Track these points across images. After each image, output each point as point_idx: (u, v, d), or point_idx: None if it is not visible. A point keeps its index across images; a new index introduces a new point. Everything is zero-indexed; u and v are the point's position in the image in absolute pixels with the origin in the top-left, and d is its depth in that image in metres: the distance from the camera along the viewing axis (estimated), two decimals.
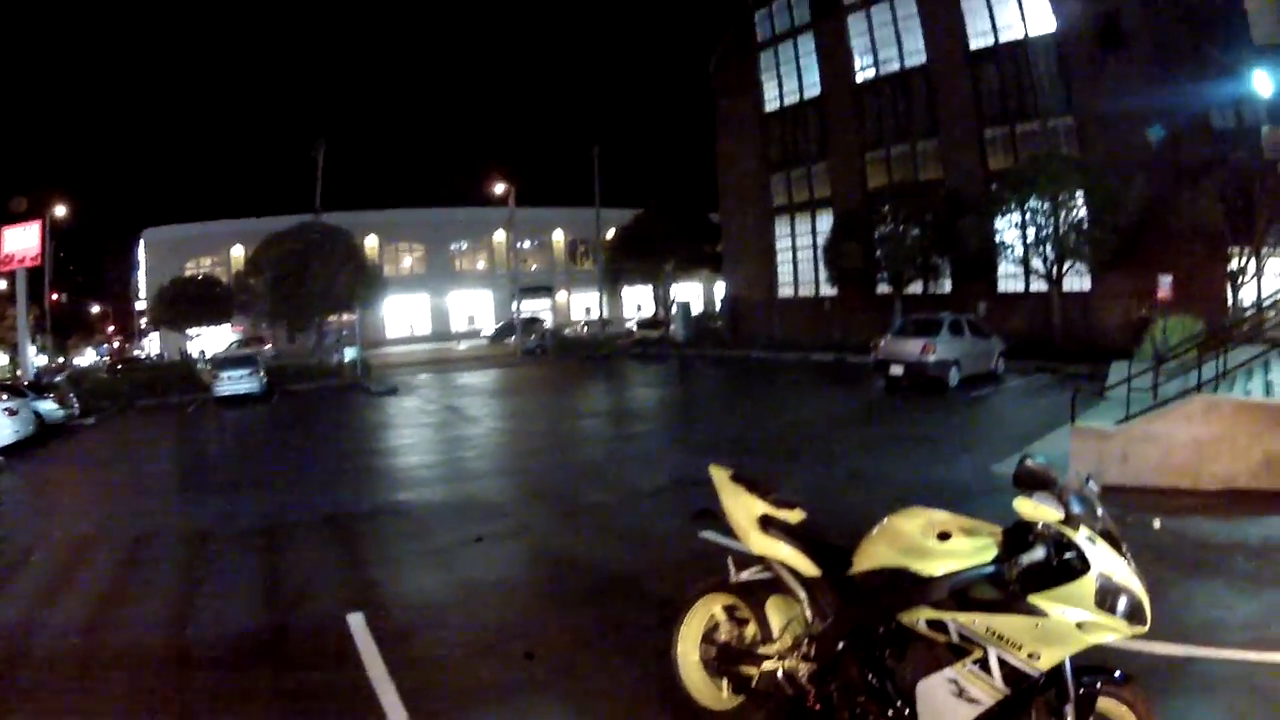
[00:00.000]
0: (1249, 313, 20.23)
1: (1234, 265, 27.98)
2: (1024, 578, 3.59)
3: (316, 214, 42.62)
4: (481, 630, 6.36)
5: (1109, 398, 14.79)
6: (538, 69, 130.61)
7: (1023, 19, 35.99)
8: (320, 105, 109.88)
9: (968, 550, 3.77)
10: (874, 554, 4.05)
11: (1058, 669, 3.55)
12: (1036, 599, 3.50)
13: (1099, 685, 3.68)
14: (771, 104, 48.11)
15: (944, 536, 3.88)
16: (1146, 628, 3.52)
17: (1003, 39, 36.83)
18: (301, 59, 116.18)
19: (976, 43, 37.83)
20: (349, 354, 36.60)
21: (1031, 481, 3.61)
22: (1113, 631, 3.48)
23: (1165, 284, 21.46)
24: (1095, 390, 16.19)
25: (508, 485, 12.32)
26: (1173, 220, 27.64)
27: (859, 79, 43.16)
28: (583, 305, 72.23)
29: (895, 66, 41.37)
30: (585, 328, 56.00)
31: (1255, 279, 27.63)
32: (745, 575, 4.73)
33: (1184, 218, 27.16)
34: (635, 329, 52.03)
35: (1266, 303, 17.54)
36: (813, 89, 45.55)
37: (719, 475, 4.84)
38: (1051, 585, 3.50)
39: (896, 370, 22.10)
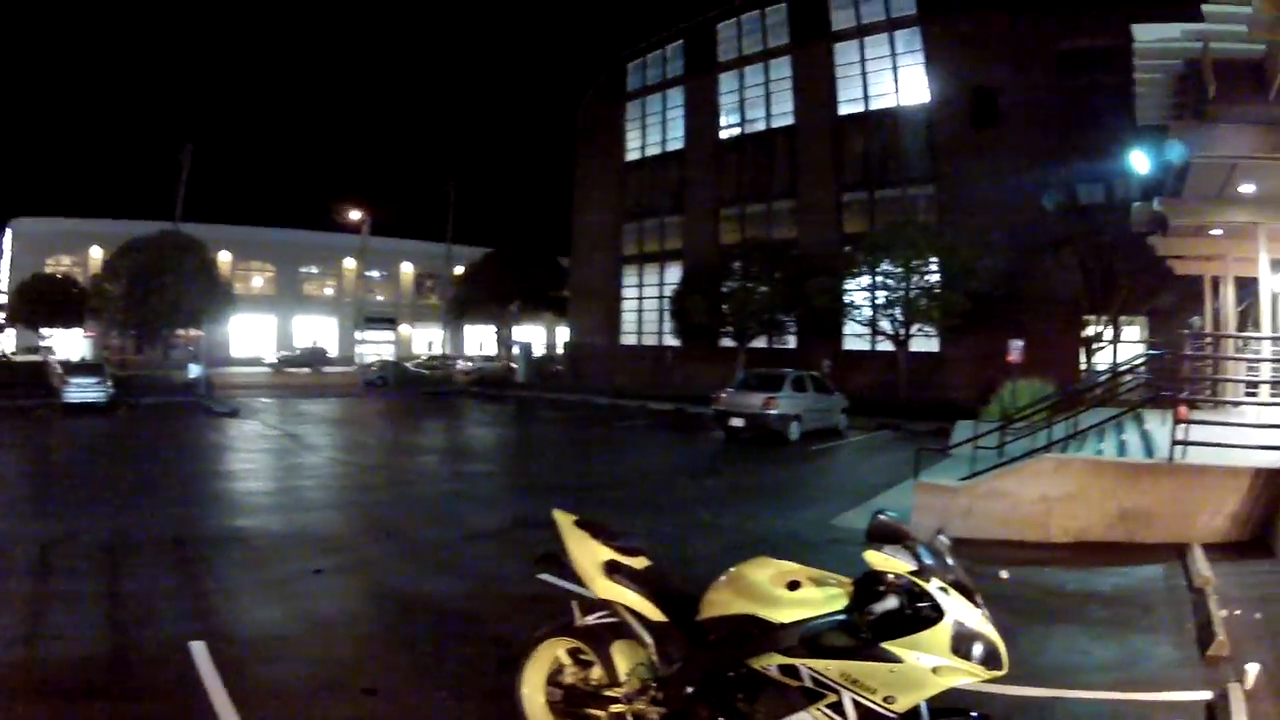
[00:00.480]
0: (1103, 377, 21.17)
1: (1089, 331, 30.43)
2: (877, 626, 3.80)
3: (175, 223, 42.98)
4: (323, 664, 6.38)
5: (953, 455, 15.53)
6: (403, 98, 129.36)
7: (896, 89, 38.58)
8: (186, 111, 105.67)
9: (818, 599, 3.99)
10: (722, 601, 4.24)
11: (914, 711, 3.76)
12: (891, 646, 3.71)
13: None
14: (633, 154, 49.99)
15: (793, 586, 4.10)
16: (1004, 671, 3.74)
17: (873, 106, 39.41)
18: (173, 63, 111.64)
19: (846, 108, 40.35)
20: (193, 371, 36.49)
21: (884, 535, 3.86)
22: (969, 675, 3.69)
23: (1016, 348, 22.63)
24: (939, 448, 16.94)
25: (347, 518, 12.49)
26: (1029, 287, 29.89)
27: (723, 135, 45.30)
28: (425, 340, 72.16)
29: (761, 126, 43.67)
30: (427, 363, 55.21)
31: (1112, 345, 29.93)
32: (590, 620, 4.85)
33: (1041, 286, 29.43)
34: (471, 367, 54.24)
35: (1122, 368, 18.10)
36: (675, 142, 47.60)
37: (563, 520, 4.98)
38: (905, 633, 3.72)
39: (737, 422, 23.09)
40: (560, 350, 59.75)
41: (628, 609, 4.53)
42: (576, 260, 52.93)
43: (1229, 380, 15.99)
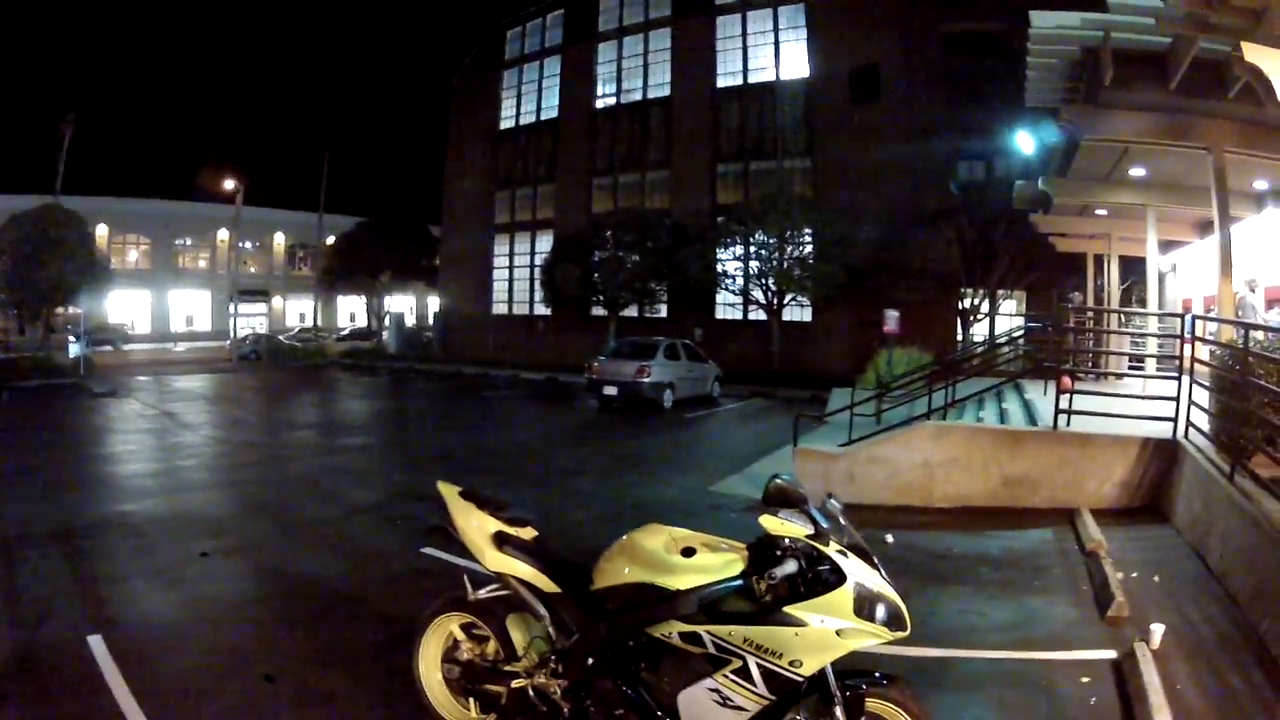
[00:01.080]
0: (980, 348, 21.69)
1: (967, 304, 31.51)
2: (777, 589, 3.85)
3: (56, 196, 40.81)
4: (220, 651, 6.31)
5: (830, 423, 15.55)
6: (275, 66, 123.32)
7: (777, 63, 38.95)
8: (53, 79, 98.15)
9: (715, 565, 4.04)
10: (617, 571, 4.25)
11: (820, 674, 3.86)
12: (793, 610, 3.79)
13: (864, 687, 3.99)
14: (507, 122, 49.28)
15: (688, 552, 4.13)
16: (907, 632, 3.87)
17: (752, 79, 39.69)
18: (39, 30, 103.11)
19: (725, 81, 40.53)
20: (73, 350, 35.06)
21: (781, 499, 3.91)
22: (874, 637, 3.79)
23: (892, 318, 23.02)
24: (817, 415, 16.98)
25: (229, 497, 12.19)
26: (906, 260, 30.56)
27: (599, 105, 44.98)
28: (298, 311, 70.19)
29: (638, 96, 43.54)
30: (299, 336, 53.94)
31: (989, 317, 31.41)
32: (482, 593, 4.85)
33: (918, 258, 30.19)
34: (343, 338, 54.83)
35: (1001, 339, 18.54)
36: (550, 111, 47.00)
37: (448, 492, 4.97)
38: (807, 597, 3.80)
39: (611, 391, 23.30)
40: (431, 320, 58.80)
41: (520, 581, 4.55)
42: (448, 229, 52.64)
43: (1113, 353, 16.55)
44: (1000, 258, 29.43)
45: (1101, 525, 9.24)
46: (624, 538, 4.41)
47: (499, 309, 48.68)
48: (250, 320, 61.26)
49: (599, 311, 39.97)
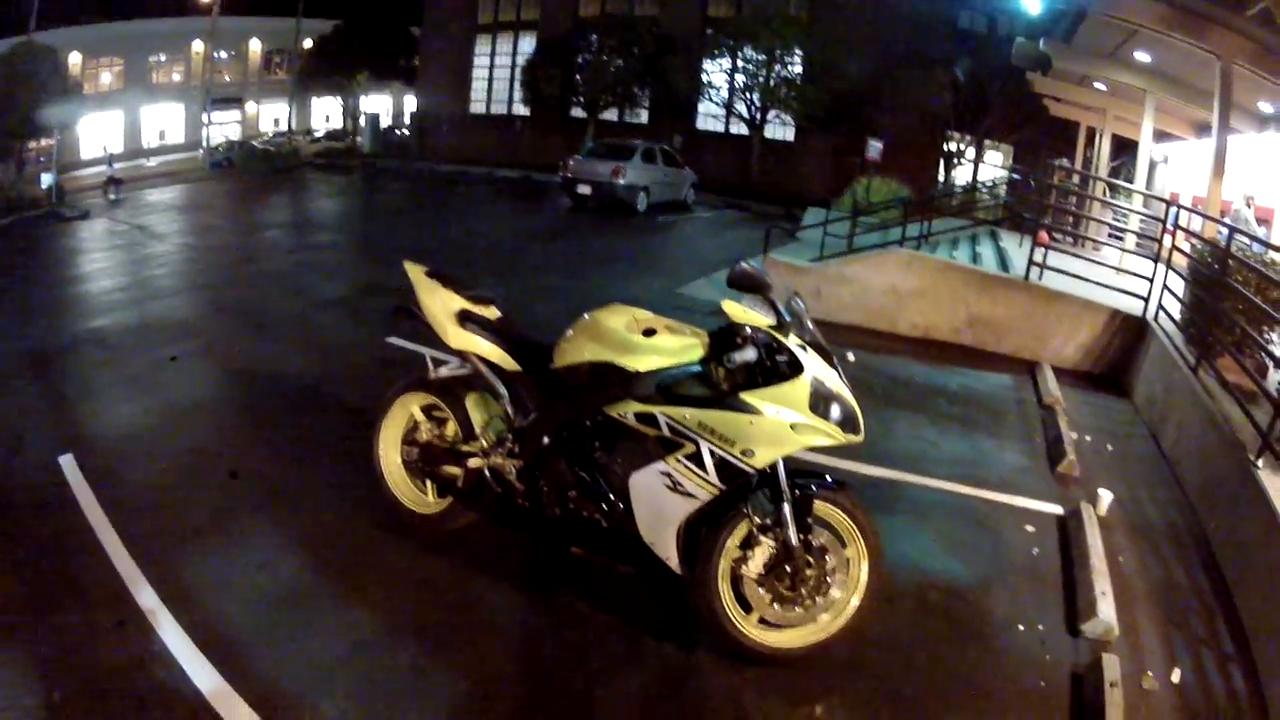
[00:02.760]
0: (960, 191, 21.39)
1: (952, 148, 31.46)
2: (735, 376, 3.72)
3: (29, 34, 38.57)
4: (186, 455, 6.14)
5: (801, 239, 15.36)
6: None
7: None
8: None
9: (674, 347, 3.89)
10: (577, 349, 4.09)
11: (772, 469, 3.75)
12: (749, 396, 3.66)
13: (814, 489, 3.88)
14: None
15: (649, 333, 3.97)
16: (861, 437, 3.74)
17: None
18: None
19: None
20: (45, 180, 33.83)
21: (746, 284, 3.64)
22: (827, 436, 3.67)
23: (875, 148, 22.50)
24: (789, 228, 16.85)
25: (197, 301, 11.82)
26: (896, 95, 29.54)
27: None
28: (272, 117, 66.35)
29: None
30: (273, 140, 52.64)
31: (973, 164, 31.47)
32: (443, 372, 4.71)
33: (909, 96, 29.23)
34: (318, 139, 54.05)
35: (983, 185, 18.22)
36: None
37: (414, 272, 4.76)
38: (764, 385, 3.65)
39: (584, 190, 22.46)
40: (408, 120, 57.14)
41: (481, 359, 4.45)
42: (429, 28, 49.42)
43: (1094, 220, 16.13)
44: (991, 108, 29.02)
45: (1061, 383, 8.97)
46: (585, 316, 4.22)
47: (477, 108, 46.73)
48: (224, 129, 59.03)
49: (578, 113, 38.70)
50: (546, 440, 4.18)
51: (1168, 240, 9.78)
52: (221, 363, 8.56)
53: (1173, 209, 10.79)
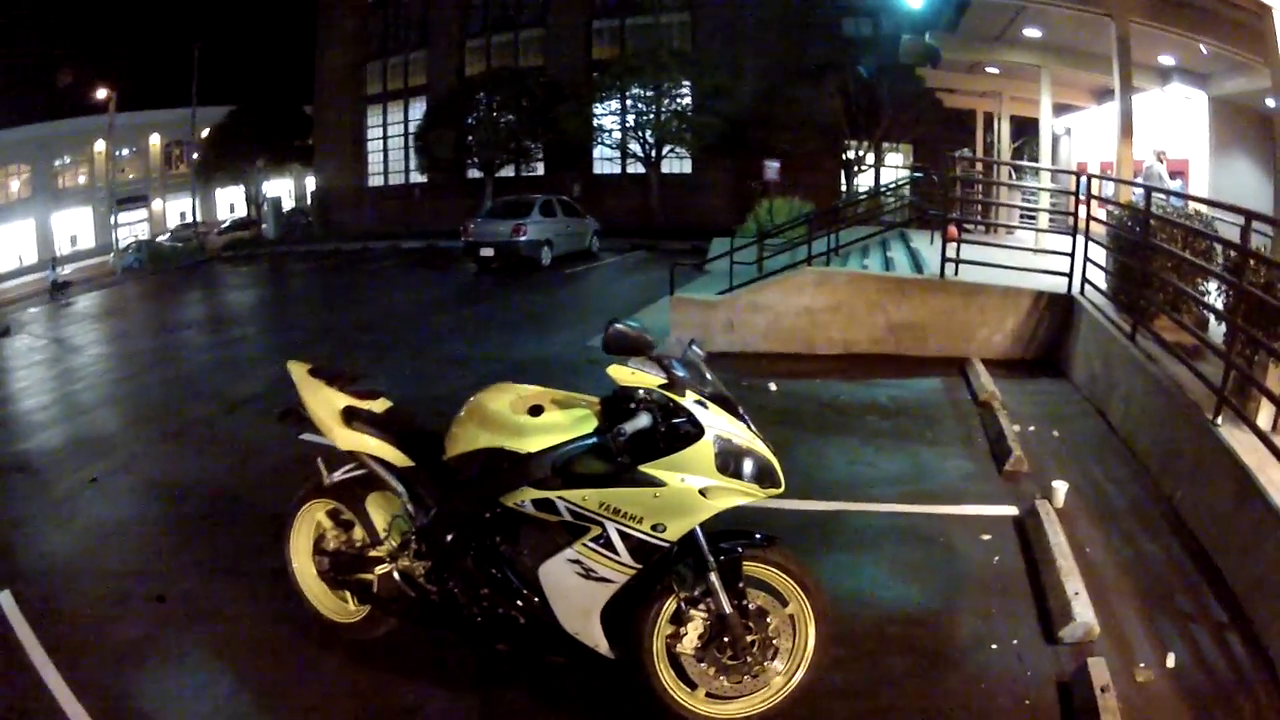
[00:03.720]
0: (863, 198, 21.68)
1: (851, 156, 32.13)
2: (633, 447, 3.52)
3: None
4: (115, 580, 5.99)
5: (710, 271, 15.55)
6: None
7: None
8: None
9: (565, 423, 3.72)
10: (465, 437, 3.94)
11: (690, 537, 3.56)
12: (650, 468, 3.47)
13: (740, 550, 3.69)
14: None
15: (536, 411, 3.81)
16: (781, 488, 3.58)
17: None
18: None
19: None
20: None
21: (623, 346, 3.44)
22: (743, 495, 3.51)
23: (771, 168, 22.84)
24: (695, 263, 16.97)
25: (114, 414, 11.74)
26: (789, 112, 30.39)
27: None
28: (178, 212, 66.32)
29: None
30: (180, 236, 52.13)
31: (874, 169, 32.17)
32: (338, 475, 4.53)
33: (801, 110, 30.06)
34: (223, 231, 53.70)
35: (885, 188, 18.49)
36: None
37: (297, 371, 4.63)
38: (664, 454, 3.48)
39: (487, 252, 22.82)
40: (309, 200, 58.17)
41: (373, 457, 4.29)
42: (320, 106, 50.88)
43: (1003, 205, 16.35)
44: (885, 111, 29.78)
45: (995, 376, 8.90)
46: (471, 400, 4.08)
47: (375, 181, 47.95)
48: (133, 229, 58.94)
49: (475, 174, 39.57)
50: (450, 538, 4.02)
51: (1082, 211, 9.86)
52: (142, 478, 8.40)
53: (1083, 179, 10.87)
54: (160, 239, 51.12)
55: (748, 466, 3.48)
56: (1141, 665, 4.03)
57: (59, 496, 8.11)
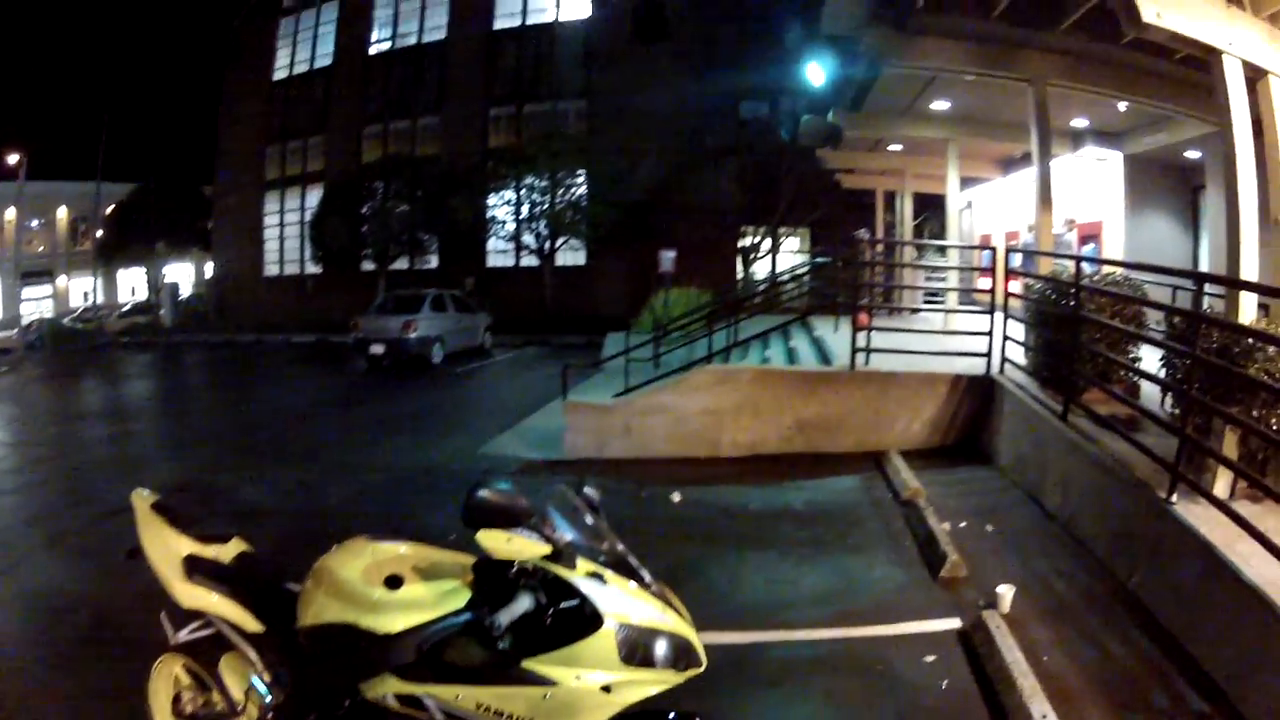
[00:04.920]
0: (763, 285, 21.87)
1: (747, 242, 32.91)
2: (516, 634, 3.04)
3: None
4: None
5: (606, 369, 15.04)
6: (47, 25, 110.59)
7: (558, 3, 39.81)
8: None
9: (428, 598, 3.22)
10: (316, 606, 3.40)
11: None
12: (538, 664, 3.01)
13: None
14: (281, 72, 48.41)
15: (394, 581, 3.30)
16: (703, 666, 3.12)
17: (531, 20, 40.47)
18: None
19: (502, 23, 41.08)
20: None
21: (491, 518, 2.96)
22: (656, 684, 3.07)
23: (667, 259, 22.92)
24: (589, 364, 16.62)
25: None
26: (686, 199, 31.36)
27: (373, 50, 45.06)
28: (82, 290, 65.38)
29: (413, 40, 43.71)
30: (81, 316, 51.41)
31: (771, 255, 32.78)
32: (184, 635, 4.00)
33: (698, 197, 30.95)
34: (122, 314, 51.08)
35: (784, 275, 18.62)
36: (325, 59, 46.68)
37: (140, 504, 4.13)
38: (556, 643, 3.01)
39: (377, 349, 22.84)
40: (206, 288, 58.50)
41: (220, 618, 3.79)
42: (221, 189, 51.15)
43: (916, 288, 16.51)
44: (783, 195, 30.57)
45: (915, 469, 8.69)
46: (318, 563, 3.56)
47: (271, 270, 47.95)
48: (38, 304, 58.70)
49: (369, 266, 39.81)
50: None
51: (1001, 287, 9.89)
52: (15, 592, 7.85)
53: (999, 252, 10.85)
54: (65, 320, 50.26)
55: (660, 650, 3.05)
56: None
57: None
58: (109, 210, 55.37)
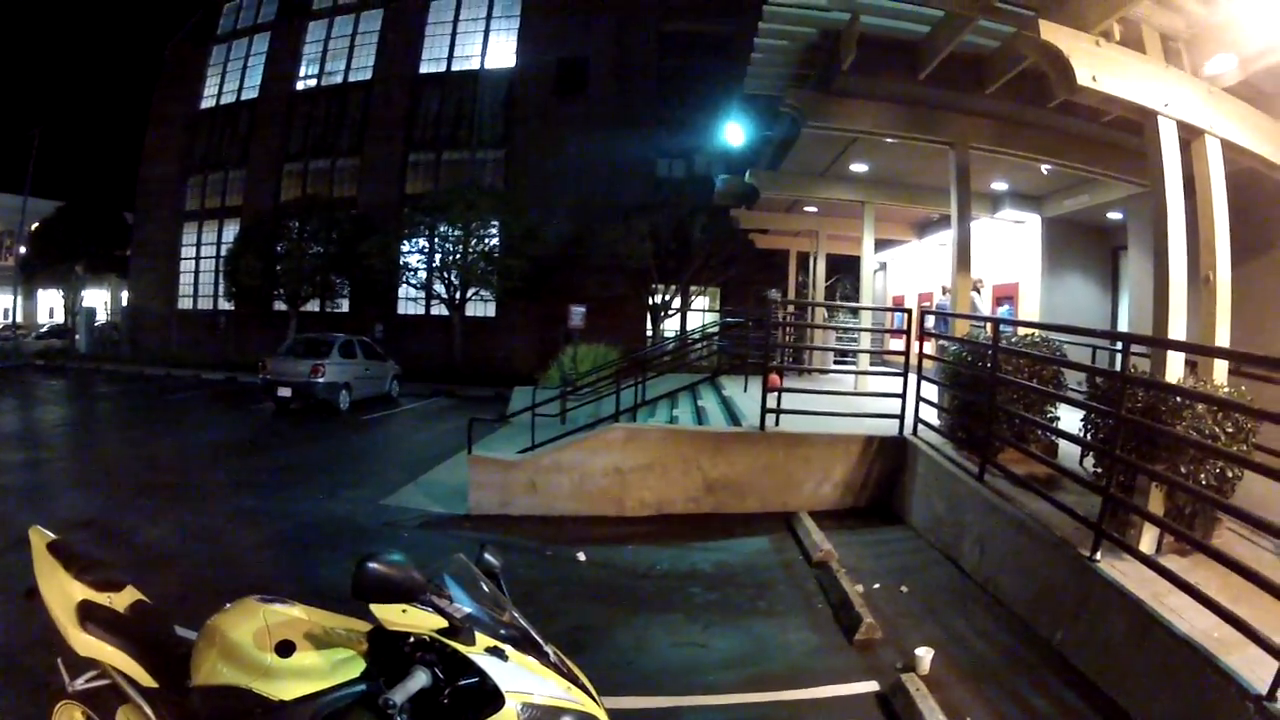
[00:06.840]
0: (672, 344, 21.93)
1: (658, 300, 33.15)
2: (414, 712, 2.91)
3: None
4: None
5: (513, 423, 14.90)
6: None
7: (484, 51, 40.23)
8: None
9: (321, 667, 3.10)
10: (209, 666, 3.26)
11: None
12: None
13: None
14: (208, 101, 47.78)
15: (285, 648, 3.17)
16: None
17: (456, 67, 40.80)
18: None
19: (428, 67, 41.34)
20: None
21: (383, 592, 2.86)
22: None
23: (577, 314, 23.27)
24: (494, 418, 16.62)
25: None
26: (598, 255, 31.65)
27: (300, 87, 44.83)
28: (3, 308, 63.04)
29: (339, 79, 43.68)
30: (1, 335, 50.77)
31: (680, 313, 33.42)
32: (81, 683, 3.80)
33: (610, 253, 31.20)
34: (40, 336, 53.56)
35: (695, 334, 18.76)
36: (251, 91, 46.23)
37: (37, 542, 4.01)
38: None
39: (285, 392, 22.82)
40: (121, 316, 57.11)
41: (114, 669, 3.62)
42: (141, 216, 49.88)
43: (829, 349, 16.65)
44: (695, 254, 31.04)
45: (826, 530, 8.62)
46: (211, 621, 3.43)
47: (184, 303, 47.13)
48: None
49: (281, 306, 39.43)
50: None
51: (915, 349, 9.98)
52: None
53: (915, 313, 10.92)
54: None
55: None
56: None
57: None
58: (34, 226, 53.89)
